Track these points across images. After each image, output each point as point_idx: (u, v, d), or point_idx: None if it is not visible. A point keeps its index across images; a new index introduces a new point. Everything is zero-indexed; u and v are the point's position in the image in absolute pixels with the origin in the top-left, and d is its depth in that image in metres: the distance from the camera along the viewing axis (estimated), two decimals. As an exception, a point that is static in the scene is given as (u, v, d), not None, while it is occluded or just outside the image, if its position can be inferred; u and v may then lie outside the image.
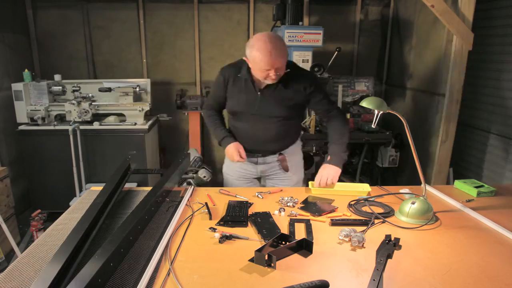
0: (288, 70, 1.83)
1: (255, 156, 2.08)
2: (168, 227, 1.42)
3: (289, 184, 2.12)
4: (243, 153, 1.97)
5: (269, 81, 1.82)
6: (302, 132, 2.26)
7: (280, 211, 1.60)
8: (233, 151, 1.97)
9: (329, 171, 1.89)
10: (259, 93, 1.91)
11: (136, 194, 1.79)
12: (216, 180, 4.31)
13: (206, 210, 1.58)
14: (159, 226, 1.45)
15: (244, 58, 1.85)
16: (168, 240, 1.34)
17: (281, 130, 2.00)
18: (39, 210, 3.06)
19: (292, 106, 1.94)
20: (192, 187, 1.91)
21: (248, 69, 1.88)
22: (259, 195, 1.78)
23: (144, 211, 1.39)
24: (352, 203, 1.70)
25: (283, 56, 1.76)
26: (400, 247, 1.32)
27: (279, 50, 1.72)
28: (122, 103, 3.54)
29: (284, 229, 1.45)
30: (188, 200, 1.73)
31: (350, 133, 2.03)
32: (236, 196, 1.77)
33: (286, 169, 2.10)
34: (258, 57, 1.72)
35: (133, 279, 1.09)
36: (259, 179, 2.21)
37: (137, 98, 3.70)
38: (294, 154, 2.15)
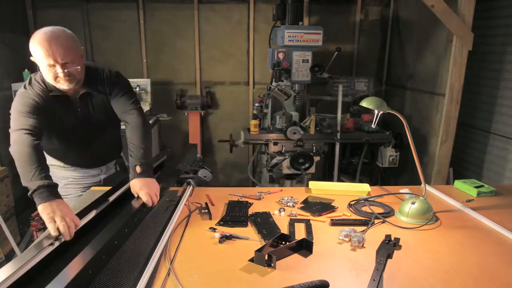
0: (90, 71, 1.66)
1: (97, 168, 1.95)
2: (168, 227, 1.43)
3: None
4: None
5: (62, 84, 1.54)
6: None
7: (280, 211, 1.60)
8: (64, 214, 1.25)
9: (147, 185, 1.54)
10: (77, 107, 1.69)
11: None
12: (216, 180, 4.32)
13: (206, 210, 1.58)
14: (157, 226, 1.45)
15: (31, 58, 1.54)
16: (168, 240, 1.34)
17: (108, 137, 1.90)
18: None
19: (109, 110, 1.75)
20: (192, 187, 1.91)
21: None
22: (259, 195, 1.78)
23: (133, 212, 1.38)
24: (352, 203, 1.70)
25: (67, 48, 1.48)
26: (400, 247, 1.32)
27: (60, 40, 1.47)
28: (122, 103, 3.53)
29: (284, 229, 1.45)
30: (187, 200, 1.73)
31: (150, 145, 1.74)
32: (233, 195, 1.77)
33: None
34: (37, 50, 1.46)
35: (133, 279, 1.09)
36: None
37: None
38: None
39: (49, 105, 1.60)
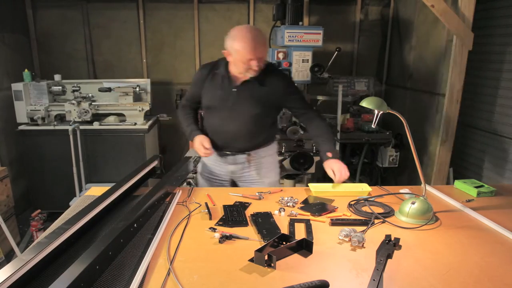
0: (266, 67, 1.89)
1: (225, 155, 2.08)
2: (160, 226, 1.43)
3: (261, 187, 2.07)
4: (208, 145, 1.96)
5: (250, 73, 1.85)
6: (277, 136, 2.25)
7: (280, 211, 1.59)
8: (198, 144, 1.98)
9: (340, 165, 1.91)
10: (234, 89, 1.94)
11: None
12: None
13: (206, 210, 1.58)
14: (151, 226, 1.45)
15: (223, 51, 1.87)
16: (168, 240, 1.34)
17: (253, 128, 2.00)
18: (39, 210, 3.06)
19: (266, 105, 1.96)
20: (192, 187, 1.91)
21: (226, 66, 1.93)
22: (259, 195, 1.78)
23: (134, 218, 1.38)
24: (352, 203, 1.70)
25: (264, 45, 1.82)
26: (400, 247, 1.32)
27: (260, 39, 1.79)
28: (122, 103, 3.54)
29: (284, 229, 1.45)
30: (187, 200, 1.73)
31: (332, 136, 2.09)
32: (234, 195, 1.77)
33: (259, 170, 2.10)
34: (240, 47, 1.76)
35: (126, 278, 1.09)
36: (233, 183, 2.19)
37: (137, 98, 3.70)
38: (266, 156, 2.11)
39: None
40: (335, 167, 1.90)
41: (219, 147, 2.06)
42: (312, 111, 2.09)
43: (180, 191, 1.82)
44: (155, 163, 2.07)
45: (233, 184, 2.18)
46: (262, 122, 2.02)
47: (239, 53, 1.78)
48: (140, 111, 3.53)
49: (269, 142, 2.13)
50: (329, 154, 1.95)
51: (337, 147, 3.26)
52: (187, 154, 3.26)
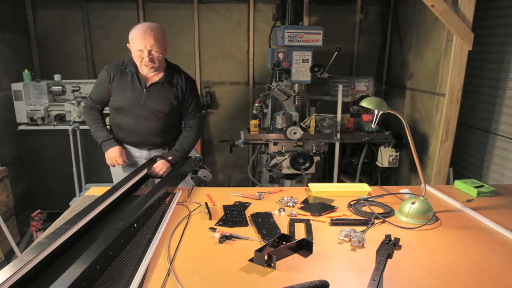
0: (172, 68, 2.07)
1: (141, 149, 2.19)
2: (160, 226, 1.43)
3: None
4: (124, 157, 2.11)
5: (145, 69, 1.96)
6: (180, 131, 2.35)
7: (280, 211, 1.59)
8: (116, 155, 2.08)
9: (161, 163, 2.05)
10: (144, 89, 2.03)
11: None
12: (216, 180, 4.32)
13: (206, 210, 1.58)
14: (151, 226, 1.45)
15: (127, 44, 1.97)
16: (167, 239, 1.33)
17: (161, 126, 2.11)
18: (39, 210, 3.06)
19: (174, 104, 2.09)
20: (192, 187, 1.91)
21: (135, 65, 2.00)
22: (259, 195, 1.78)
23: (134, 218, 1.38)
24: (352, 203, 1.70)
25: (158, 40, 1.91)
26: (400, 247, 1.32)
27: (154, 32, 1.90)
28: (122, 103, 3.53)
29: (284, 229, 1.45)
30: (187, 199, 1.73)
31: (193, 146, 2.23)
32: (234, 195, 1.77)
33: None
34: (133, 35, 1.91)
35: (126, 278, 1.09)
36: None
37: (137, 98, 3.69)
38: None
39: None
40: (157, 165, 2.05)
41: (134, 144, 2.18)
42: (198, 118, 2.21)
43: (180, 191, 1.82)
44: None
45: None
46: (170, 120, 2.14)
47: (132, 42, 1.91)
48: (140, 111, 3.53)
49: (177, 136, 2.22)
50: (170, 157, 2.10)
51: (337, 147, 3.26)
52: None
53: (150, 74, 2.02)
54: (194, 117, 2.20)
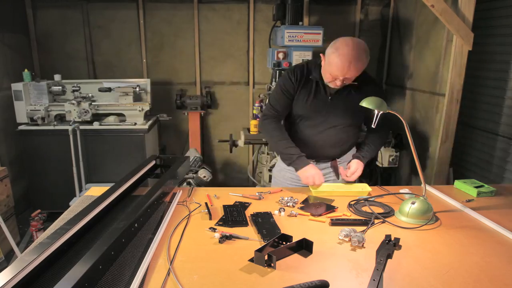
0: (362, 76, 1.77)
1: (312, 162, 1.96)
2: (160, 226, 1.43)
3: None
4: (320, 182, 1.84)
5: (331, 85, 1.78)
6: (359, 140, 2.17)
7: (280, 211, 1.59)
8: (313, 177, 1.82)
9: (357, 165, 1.89)
10: (329, 97, 1.85)
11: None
12: (216, 180, 4.32)
13: (206, 210, 1.58)
14: (151, 226, 1.45)
15: (321, 54, 1.78)
16: (168, 239, 1.34)
17: (342, 136, 1.95)
18: (39, 210, 3.06)
19: (359, 114, 1.87)
20: (192, 187, 1.91)
21: (320, 71, 1.81)
22: (259, 195, 1.78)
23: (135, 218, 1.38)
24: (352, 203, 1.70)
25: (359, 70, 1.70)
26: (400, 247, 1.32)
27: (359, 62, 1.66)
28: (122, 103, 3.54)
29: (284, 229, 1.45)
30: (187, 199, 1.73)
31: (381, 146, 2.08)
32: (234, 195, 1.77)
33: (337, 175, 2.03)
34: (335, 62, 1.66)
35: (126, 278, 1.09)
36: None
37: (137, 98, 3.70)
38: (348, 161, 2.02)
39: None
40: (353, 165, 1.90)
41: (310, 156, 1.96)
42: (385, 123, 1.84)
43: (180, 191, 1.82)
44: (153, 163, 2.07)
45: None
46: (350, 130, 1.96)
47: (330, 66, 1.69)
48: (140, 111, 3.53)
49: (352, 147, 2.08)
50: (358, 153, 1.95)
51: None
52: (187, 154, 3.26)
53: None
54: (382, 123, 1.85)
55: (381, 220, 1.54)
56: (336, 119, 1.88)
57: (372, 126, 1.66)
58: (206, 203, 1.64)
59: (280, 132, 1.91)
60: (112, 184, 1.67)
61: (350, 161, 1.94)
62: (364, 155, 1.93)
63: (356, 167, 1.89)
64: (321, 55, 1.78)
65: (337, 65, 1.66)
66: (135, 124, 3.48)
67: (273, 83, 3.27)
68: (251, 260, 1.21)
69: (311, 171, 1.83)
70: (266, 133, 1.97)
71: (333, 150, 1.99)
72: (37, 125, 3.34)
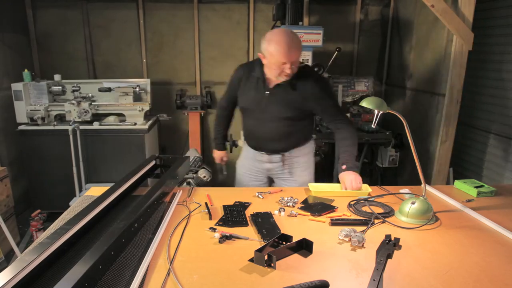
0: (300, 70, 1.88)
1: (261, 154, 2.13)
2: (160, 226, 1.43)
3: (294, 186, 2.12)
4: (224, 160, 2.39)
5: (283, 77, 1.86)
6: (314, 136, 2.23)
7: (280, 211, 1.59)
8: (218, 157, 2.41)
9: (352, 176, 1.89)
10: (267, 92, 1.96)
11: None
12: (216, 180, 4.32)
13: (206, 210, 1.58)
14: (151, 226, 1.44)
15: (259, 54, 1.89)
16: (167, 239, 1.33)
17: (286, 130, 2.02)
18: (39, 210, 3.06)
19: (298, 108, 1.97)
20: (192, 187, 1.91)
21: (262, 68, 1.93)
22: (259, 195, 1.78)
23: (135, 217, 1.38)
24: (352, 203, 1.70)
25: (299, 49, 1.82)
26: (400, 247, 1.32)
27: (295, 44, 1.79)
28: (122, 103, 3.54)
29: (284, 229, 1.44)
30: (187, 200, 1.73)
31: (356, 147, 2.01)
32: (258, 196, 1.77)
33: (291, 173, 2.13)
34: (275, 50, 1.76)
35: (126, 279, 1.09)
36: (270, 180, 2.25)
37: (137, 98, 3.70)
38: (300, 156, 2.12)
39: None
40: (346, 179, 1.89)
41: (254, 147, 2.15)
42: (342, 119, 2.02)
43: (180, 191, 1.82)
44: (152, 163, 2.07)
45: (271, 180, 2.24)
46: (294, 124, 2.02)
47: (273, 56, 1.79)
48: (140, 111, 3.53)
49: (303, 143, 2.13)
50: (343, 167, 1.94)
51: (337, 147, 3.26)
52: (187, 154, 3.26)
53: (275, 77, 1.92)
54: (337, 119, 2.01)
55: (381, 220, 1.54)
56: (274, 113, 1.98)
57: (372, 126, 1.68)
58: (206, 203, 1.64)
59: (219, 121, 2.32)
60: (112, 184, 1.67)
61: (340, 175, 1.96)
62: (348, 165, 1.94)
63: (349, 180, 1.88)
64: (259, 54, 1.89)
65: (279, 51, 1.76)
66: (135, 124, 3.48)
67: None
68: (251, 260, 1.21)
69: (217, 153, 2.39)
70: (216, 120, 2.35)
71: (278, 144, 2.07)
72: (37, 125, 3.34)
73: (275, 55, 1.77)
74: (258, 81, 1.98)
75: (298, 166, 2.13)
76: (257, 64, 1.97)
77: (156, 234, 1.36)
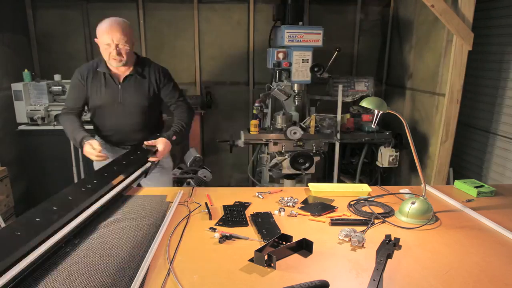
0: (142, 61, 2.13)
1: (125, 149, 2.19)
2: (161, 226, 1.43)
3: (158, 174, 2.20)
4: (99, 147, 1.94)
5: (114, 63, 1.99)
6: (163, 127, 2.39)
7: (280, 211, 1.59)
8: (89, 149, 1.96)
9: (163, 142, 2.02)
10: (119, 85, 2.08)
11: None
12: (216, 180, 4.32)
13: (206, 210, 1.58)
14: (151, 226, 1.44)
15: (95, 39, 2.02)
16: (167, 240, 1.34)
17: (144, 118, 2.15)
18: (39, 210, 3.05)
19: (151, 96, 2.13)
20: (192, 187, 1.91)
21: (105, 63, 2.05)
22: (259, 195, 1.78)
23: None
24: (352, 203, 1.70)
25: (124, 33, 1.95)
26: (400, 247, 1.32)
27: (120, 26, 1.95)
28: (122, 103, 3.53)
29: (284, 229, 1.44)
30: (188, 200, 1.73)
31: (190, 126, 2.23)
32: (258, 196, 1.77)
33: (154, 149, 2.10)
34: (99, 29, 1.94)
35: (127, 279, 1.09)
36: None
37: (137, 98, 3.69)
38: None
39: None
40: (159, 143, 2.02)
41: (116, 144, 2.22)
42: (183, 100, 2.25)
43: (181, 191, 1.82)
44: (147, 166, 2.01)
45: None
46: (150, 112, 2.17)
47: (100, 38, 1.94)
48: (140, 111, 3.53)
49: (156, 131, 2.24)
50: (173, 137, 2.09)
51: (337, 147, 3.26)
52: (187, 154, 3.26)
53: (121, 69, 2.06)
54: (178, 100, 2.22)
55: (381, 220, 1.54)
56: (131, 103, 2.10)
57: (372, 126, 1.68)
58: (206, 203, 1.64)
59: (70, 122, 2.11)
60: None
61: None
62: (168, 134, 2.08)
63: (161, 144, 2.01)
64: (95, 40, 2.01)
65: (104, 29, 1.92)
66: (135, 124, 3.48)
67: (273, 83, 3.27)
68: (251, 260, 1.21)
69: (88, 144, 1.98)
70: (62, 126, 2.18)
71: (139, 134, 2.15)
72: (37, 125, 3.34)
73: (99, 34, 1.94)
74: (106, 76, 2.07)
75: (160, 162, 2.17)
76: (98, 61, 2.09)
77: (157, 235, 1.36)
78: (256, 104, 3.42)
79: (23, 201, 3.55)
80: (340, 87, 3.24)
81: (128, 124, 2.15)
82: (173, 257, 1.23)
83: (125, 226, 1.41)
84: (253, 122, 3.20)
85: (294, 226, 1.48)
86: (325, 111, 3.48)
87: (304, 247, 1.29)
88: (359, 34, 4.14)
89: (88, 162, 3.40)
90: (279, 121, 3.19)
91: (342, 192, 1.84)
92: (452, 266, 1.21)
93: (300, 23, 3.27)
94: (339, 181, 3.45)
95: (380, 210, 1.62)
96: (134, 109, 2.12)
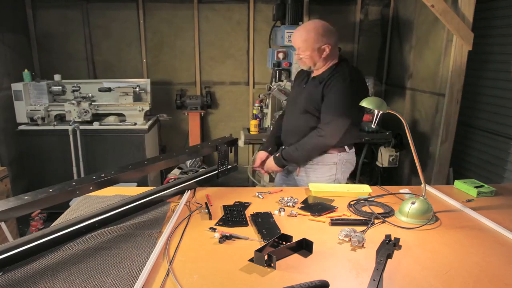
0: (336, 67, 1.93)
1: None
2: (167, 227, 1.43)
3: (302, 183, 2.12)
4: (258, 163, 2.17)
5: (300, 65, 2.01)
6: (347, 149, 2.10)
7: (280, 211, 1.59)
8: (256, 157, 2.20)
9: (271, 163, 2.10)
10: (304, 86, 2.06)
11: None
12: (216, 180, 4.31)
13: (206, 210, 1.58)
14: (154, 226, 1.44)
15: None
16: (167, 240, 1.33)
17: (299, 123, 2.04)
18: (39, 210, 3.06)
19: (310, 99, 1.96)
20: (194, 187, 1.90)
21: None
22: (259, 195, 1.78)
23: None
24: (352, 203, 1.69)
25: (302, 40, 1.89)
26: (400, 247, 1.32)
27: (300, 31, 1.91)
28: (122, 103, 3.54)
29: (284, 229, 1.44)
30: (188, 200, 1.72)
31: (313, 152, 2.00)
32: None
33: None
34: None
35: (130, 279, 1.09)
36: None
37: (137, 98, 3.70)
38: (315, 164, 2.06)
39: None
40: (267, 162, 2.13)
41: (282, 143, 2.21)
42: (322, 126, 1.92)
43: (188, 192, 1.81)
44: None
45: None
46: (308, 118, 1.98)
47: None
48: (140, 111, 3.53)
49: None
50: (278, 155, 2.08)
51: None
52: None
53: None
54: (323, 121, 1.91)
55: (381, 220, 1.54)
56: (295, 104, 2.07)
57: (372, 125, 1.68)
58: (206, 203, 1.64)
59: (273, 126, 2.33)
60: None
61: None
62: (279, 154, 2.07)
63: (268, 163, 2.11)
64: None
65: (292, 37, 1.97)
66: (135, 124, 3.48)
67: (273, 83, 3.27)
68: (251, 260, 1.21)
69: (258, 154, 2.20)
70: None
71: (292, 137, 2.08)
72: (37, 125, 3.34)
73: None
74: (308, 76, 2.08)
75: (308, 168, 2.10)
76: None
77: (161, 236, 1.36)
78: (256, 104, 3.43)
79: (23, 201, 3.54)
80: (340, 87, 3.23)
81: (287, 125, 2.19)
82: (173, 257, 1.23)
83: (125, 226, 1.41)
84: (253, 122, 3.20)
85: (294, 226, 1.48)
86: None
87: (304, 247, 1.29)
88: (359, 34, 4.14)
89: (88, 162, 3.41)
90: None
91: (342, 192, 1.84)
92: (452, 266, 1.21)
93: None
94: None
95: (380, 210, 1.62)
96: (295, 110, 2.11)
